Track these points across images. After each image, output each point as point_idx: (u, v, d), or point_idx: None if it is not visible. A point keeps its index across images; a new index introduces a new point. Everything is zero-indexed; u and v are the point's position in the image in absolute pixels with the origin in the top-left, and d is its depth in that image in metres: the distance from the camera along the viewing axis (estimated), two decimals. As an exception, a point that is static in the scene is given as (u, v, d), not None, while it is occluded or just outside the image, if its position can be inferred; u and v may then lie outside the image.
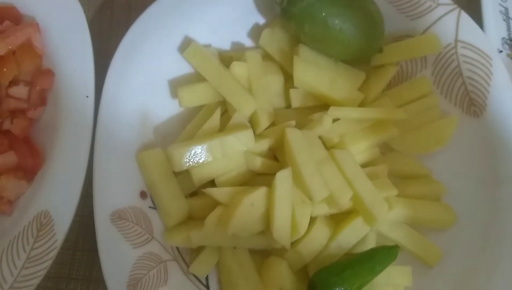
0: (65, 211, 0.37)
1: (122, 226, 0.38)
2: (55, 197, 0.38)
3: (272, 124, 0.44)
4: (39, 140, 0.41)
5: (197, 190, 0.43)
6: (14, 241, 0.37)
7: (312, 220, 0.41)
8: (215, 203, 0.40)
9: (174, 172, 0.41)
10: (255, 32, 0.48)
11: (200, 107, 0.44)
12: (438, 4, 0.46)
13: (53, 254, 0.36)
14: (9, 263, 0.36)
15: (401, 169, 0.45)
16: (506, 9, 0.55)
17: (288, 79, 0.46)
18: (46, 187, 0.38)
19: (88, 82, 0.40)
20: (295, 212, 0.39)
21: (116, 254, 0.37)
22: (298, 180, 0.40)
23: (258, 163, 0.42)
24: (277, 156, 0.44)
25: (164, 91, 0.44)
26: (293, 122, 0.42)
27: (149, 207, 0.40)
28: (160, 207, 0.40)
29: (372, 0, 0.44)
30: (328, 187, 0.39)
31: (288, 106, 0.46)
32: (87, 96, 0.40)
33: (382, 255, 0.40)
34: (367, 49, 0.44)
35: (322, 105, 0.45)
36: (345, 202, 0.39)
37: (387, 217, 0.40)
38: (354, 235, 0.40)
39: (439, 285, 0.42)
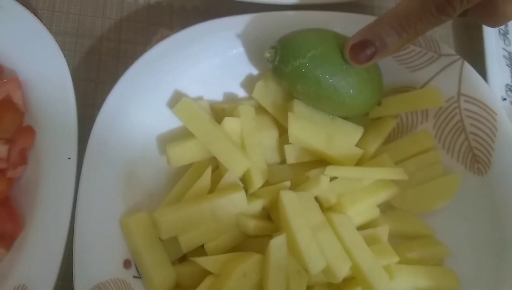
0: (44, 284, 0.35)
1: (104, 302, 0.35)
2: (33, 269, 0.35)
3: (266, 182, 0.42)
4: (19, 201, 0.39)
5: (186, 254, 0.40)
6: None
7: (309, 288, 0.38)
8: (204, 271, 0.38)
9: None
10: (248, 82, 0.46)
11: (190, 164, 0.42)
12: (440, 55, 0.44)
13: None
14: None
15: (402, 229, 0.43)
16: (510, 53, 0.53)
17: (283, 133, 0.44)
18: (25, 257, 0.36)
19: (71, 142, 0.38)
20: (290, 283, 0.37)
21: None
22: (293, 248, 0.37)
23: (251, 225, 0.39)
24: (271, 216, 0.41)
25: (152, 147, 0.42)
26: (288, 183, 0.40)
27: (133, 276, 0.38)
28: (145, 276, 0.38)
29: None
30: (325, 257, 0.37)
31: (283, 161, 0.44)
32: (69, 158, 0.38)
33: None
34: (364, 106, 0.42)
35: (319, 161, 0.43)
36: (343, 273, 0.37)
37: (388, 287, 0.38)
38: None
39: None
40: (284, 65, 0.40)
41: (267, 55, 0.41)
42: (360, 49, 0.37)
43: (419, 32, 0.36)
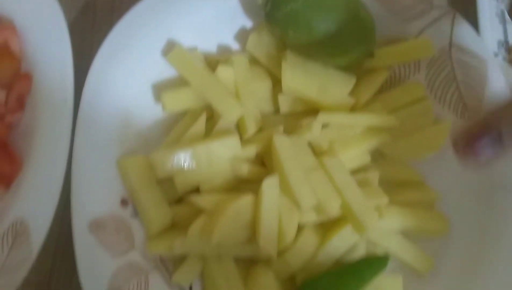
0: (42, 219, 0.36)
1: (101, 235, 0.36)
2: (31, 205, 0.36)
3: (260, 130, 0.43)
4: (17, 146, 0.40)
5: (181, 198, 0.41)
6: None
7: (300, 228, 0.39)
8: (199, 211, 0.39)
9: (157, 180, 0.40)
10: (242, 35, 0.46)
11: (185, 112, 0.43)
12: (433, 7, 0.45)
13: (29, 264, 0.35)
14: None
15: (393, 175, 0.44)
16: (502, 11, 0.54)
17: (276, 84, 0.44)
18: (23, 194, 0.37)
19: (67, 85, 0.39)
20: (282, 220, 0.38)
21: (95, 264, 0.35)
22: (285, 187, 0.38)
23: (244, 169, 0.40)
24: (265, 163, 0.42)
25: (147, 95, 0.43)
26: (281, 128, 0.41)
27: (130, 215, 0.39)
28: (142, 215, 0.39)
29: (361, 4, 0.43)
30: (316, 195, 0.38)
31: (276, 111, 0.45)
32: (66, 100, 0.38)
33: (371, 265, 0.39)
34: (356, 55, 0.43)
35: (312, 110, 0.43)
36: (333, 210, 0.38)
37: (377, 225, 0.39)
38: (343, 244, 0.39)
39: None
40: (276, 10, 0.40)
41: (259, 1, 0.41)
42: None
43: None
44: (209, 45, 0.46)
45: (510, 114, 0.28)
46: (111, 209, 0.38)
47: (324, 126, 0.42)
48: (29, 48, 0.41)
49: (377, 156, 0.45)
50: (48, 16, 0.41)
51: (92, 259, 0.35)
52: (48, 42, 0.40)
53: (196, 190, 0.40)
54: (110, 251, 0.36)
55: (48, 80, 0.40)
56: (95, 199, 0.37)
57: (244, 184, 0.42)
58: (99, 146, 0.38)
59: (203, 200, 0.38)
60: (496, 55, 0.51)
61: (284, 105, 0.43)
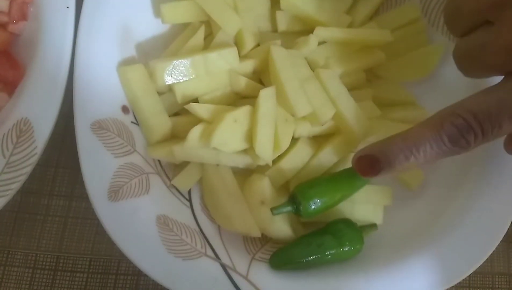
0: (45, 118, 0.37)
1: (103, 135, 0.37)
2: (35, 105, 0.37)
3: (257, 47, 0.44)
4: (20, 54, 0.41)
5: (180, 111, 0.42)
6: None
7: (295, 140, 0.41)
8: (198, 121, 0.40)
9: (157, 90, 0.41)
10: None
11: (184, 27, 0.44)
12: None
13: (34, 159, 0.36)
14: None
15: (386, 95, 0.45)
16: None
17: (275, 3, 0.45)
18: (26, 96, 0.38)
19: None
20: (278, 129, 0.39)
21: (97, 162, 0.37)
22: (281, 97, 0.39)
23: (242, 83, 0.41)
24: (262, 79, 0.43)
25: (146, 8, 0.43)
26: (278, 42, 0.42)
27: (131, 122, 0.40)
28: (143, 123, 0.40)
29: None
30: (311, 104, 0.39)
31: (274, 30, 0.45)
32: (68, 7, 0.39)
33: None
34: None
35: (309, 30, 0.44)
36: (327, 119, 0.39)
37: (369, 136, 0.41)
38: (336, 154, 0.41)
39: (418, 206, 0.42)
40: None
41: None
42: (366, 163, 0.35)
43: (429, 159, 0.33)
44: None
45: (390, 150, 0.34)
46: (112, 113, 0.39)
47: (321, 43, 0.43)
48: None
49: (371, 77, 0.46)
50: None
51: (95, 158, 0.37)
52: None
53: (195, 102, 0.42)
54: (112, 151, 0.37)
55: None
56: (98, 102, 0.38)
57: (242, 100, 0.43)
58: (100, 54, 0.39)
59: (202, 109, 0.39)
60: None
61: (282, 22, 0.44)
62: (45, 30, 0.40)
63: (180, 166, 0.41)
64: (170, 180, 0.40)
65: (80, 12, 0.39)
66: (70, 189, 0.44)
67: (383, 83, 0.46)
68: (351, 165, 0.40)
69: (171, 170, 0.41)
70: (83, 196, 0.43)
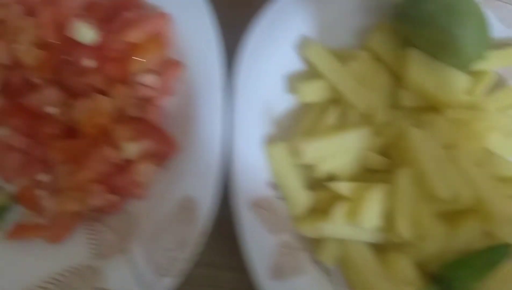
0: (207, 196, 0.38)
1: (260, 214, 0.39)
2: (196, 183, 0.38)
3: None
4: (170, 129, 0.42)
5: (312, 184, 0.44)
6: (158, 226, 0.37)
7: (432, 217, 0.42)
8: (334, 197, 0.41)
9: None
10: (359, 33, 0.49)
11: (310, 104, 0.46)
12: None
13: (199, 239, 0.37)
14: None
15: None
16: None
17: (395, 81, 0.47)
18: (185, 174, 0.39)
19: (216, 73, 0.41)
20: (417, 208, 0.41)
21: (259, 240, 0.38)
22: (421, 178, 0.41)
23: (374, 160, 0.43)
24: (390, 154, 0.45)
25: (281, 86, 0.45)
26: (408, 122, 0.44)
27: (277, 197, 0.41)
28: (287, 197, 0.42)
29: (480, 7, 0.46)
30: (451, 185, 0.41)
31: (393, 106, 0.47)
32: (217, 88, 0.41)
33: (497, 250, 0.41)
34: (476, 57, 0.46)
35: (429, 106, 0.46)
36: (467, 200, 0.41)
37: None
38: (474, 233, 0.42)
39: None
40: (412, 9, 0.43)
41: None
42: None
43: None
44: (330, 41, 0.48)
45: None
46: (264, 190, 0.40)
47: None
48: (178, 35, 0.43)
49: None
50: (194, 5, 0.43)
51: (257, 236, 0.38)
52: (195, 29, 0.42)
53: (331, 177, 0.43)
54: (268, 229, 0.38)
55: (198, 68, 0.42)
56: (253, 180, 0.39)
57: (370, 174, 0.44)
58: (252, 131, 0.41)
59: (343, 186, 0.41)
60: None
61: (406, 99, 0.46)
62: (195, 107, 0.41)
63: (317, 241, 0.42)
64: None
65: (234, 94, 0.42)
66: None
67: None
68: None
69: (311, 243, 0.42)
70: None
